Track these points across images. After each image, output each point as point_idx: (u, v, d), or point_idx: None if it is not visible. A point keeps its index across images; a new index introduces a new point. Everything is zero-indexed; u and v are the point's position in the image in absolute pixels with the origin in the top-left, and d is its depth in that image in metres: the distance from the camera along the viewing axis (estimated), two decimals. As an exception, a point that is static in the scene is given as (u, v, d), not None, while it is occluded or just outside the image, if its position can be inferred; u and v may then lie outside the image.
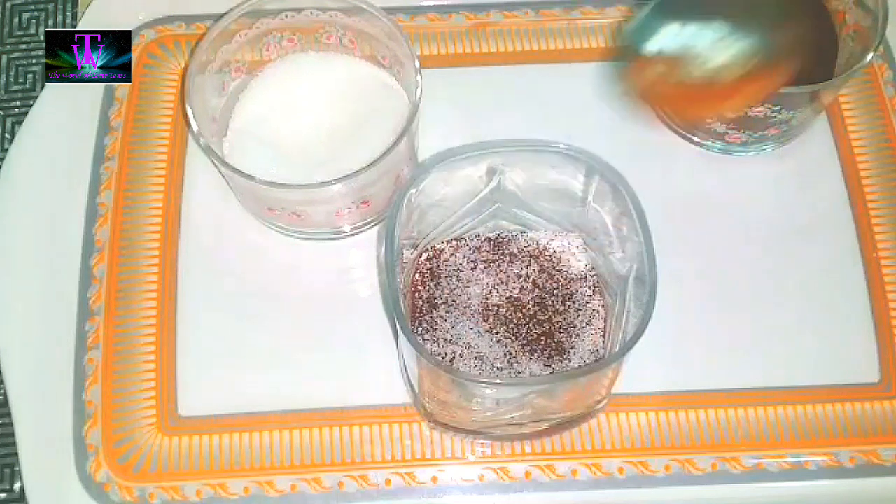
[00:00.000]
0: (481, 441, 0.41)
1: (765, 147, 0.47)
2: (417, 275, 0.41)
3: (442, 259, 0.42)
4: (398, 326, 0.35)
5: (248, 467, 0.41)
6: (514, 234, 0.42)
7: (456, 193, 0.40)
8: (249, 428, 0.42)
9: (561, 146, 0.38)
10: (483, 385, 0.37)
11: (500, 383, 0.37)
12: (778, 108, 0.41)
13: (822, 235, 0.45)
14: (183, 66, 0.50)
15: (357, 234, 0.45)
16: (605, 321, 0.40)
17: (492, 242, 0.42)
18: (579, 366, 0.39)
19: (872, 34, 0.41)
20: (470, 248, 0.42)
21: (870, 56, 0.41)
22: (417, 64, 0.41)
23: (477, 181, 0.40)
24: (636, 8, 0.50)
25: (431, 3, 0.51)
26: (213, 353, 0.43)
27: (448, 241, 0.42)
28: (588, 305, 0.41)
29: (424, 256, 0.42)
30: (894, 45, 0.49)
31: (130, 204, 0.46)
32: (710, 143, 0.47)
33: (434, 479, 0.41)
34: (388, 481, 0.41)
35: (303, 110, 0.45)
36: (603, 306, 0.41)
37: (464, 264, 0.42)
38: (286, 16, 0.44)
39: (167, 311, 0.44)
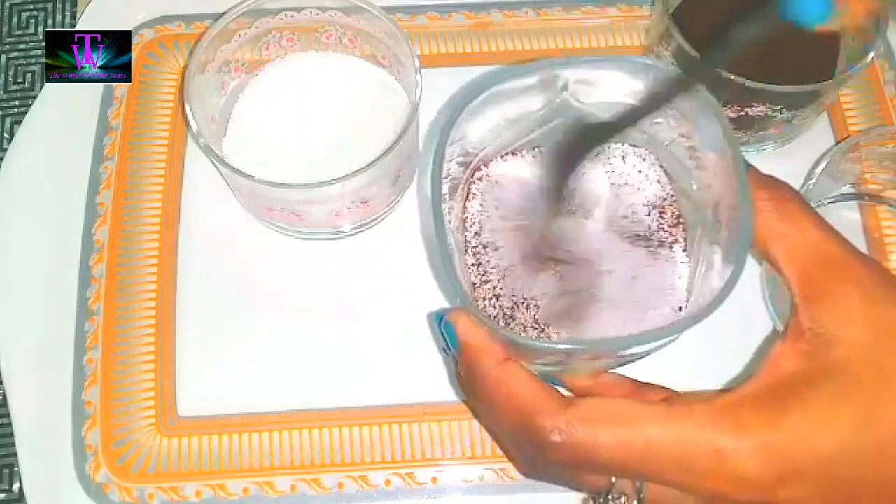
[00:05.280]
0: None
1: (765, 147, 0.47)
2: (469, 201, 0.37)
3: (500, 173, 0.37)
4: (459, 297, 0.30)
5: (247, 468, 0.41)
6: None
7: (513, 111, 0.35)
8: (249, 428, 0.42)
9: (639, 58, 0.33)
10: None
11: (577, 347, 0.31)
12: (779, 107, 0.41)
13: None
14: (182, 65, 0.50)
15: (357, 233, 0.45)
16: (686, 255, 0.36)
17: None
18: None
19: (873, 33, 0.41)
20: (528, 163, 0.37)
21: (871, 55, 0.41)
22: (417, 64, 0.41)
23: (536, 99, 0.35)
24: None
25: (431, 3, 0.51)
26: (212, 354, 0.43)
27: (503, 156, 0.37)
28: (670, 237, 0.36)
29: (478, 175, 0.37)
30: (895, 45, 0.49)
31: (130, 204, 0.46)
32: (710, 143, 0.47)
33: (434, 479, 0.41)
34: (387, 482, 0.41)
35: (302, 110, 0.44)
36: (685, 238, 0.36)
37: (526, 179, 0.37)
38: (286, 15, 0.44)
39: (166, 311, 0.44)
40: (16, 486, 0.43)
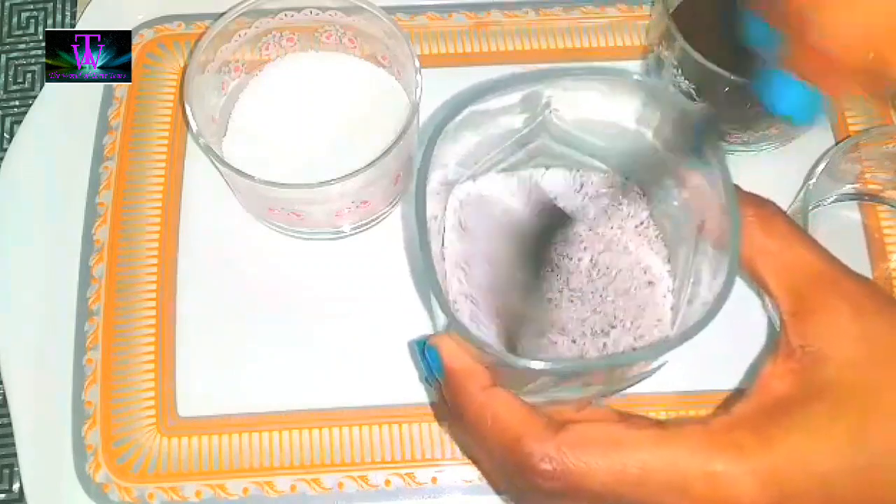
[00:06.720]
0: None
1: (765, 147, 0.47)
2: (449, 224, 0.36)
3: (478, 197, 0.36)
4: (440, 308, 0.29)
5: (247, 468, 0.41)
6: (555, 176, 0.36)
7: (492, 134, 0.34)
8: (249, 428, 0.42)
9: (629, 73, 0.32)
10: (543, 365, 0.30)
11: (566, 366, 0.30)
12: (779, 107, 0.41)
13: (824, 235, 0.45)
14: (182, 65, 0.50)
15: (357, 233, 0.45)
16: (670, 275, 0.35)
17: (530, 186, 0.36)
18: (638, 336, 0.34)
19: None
20: (510, 185, 0.36)
21: (870, 55, 0.41)
22: (417, 64, 0.41)
23: (517, 118, 0.34)
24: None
25: (431, 3, 0.51)
26: (212, 354, 0.43)
27: (485, 178, 0.36)
28: (652, 258, 0.35)
29: (459, 196, 0.36)
30: (895, 45, 0.49)
31: (130, 204, 0.46)
32: (710, 143, 0.47)
33: (434, 479, 0.41)
34: (387, 482, 0.41)
35: (302, 110, 0.45)
36: (668, 258, 0.35)
37: (509, 202, 0.36)
38: (286, 15, 0.44)
39: (166, 311, 0.44)
40: (16, 486, 0.43)
